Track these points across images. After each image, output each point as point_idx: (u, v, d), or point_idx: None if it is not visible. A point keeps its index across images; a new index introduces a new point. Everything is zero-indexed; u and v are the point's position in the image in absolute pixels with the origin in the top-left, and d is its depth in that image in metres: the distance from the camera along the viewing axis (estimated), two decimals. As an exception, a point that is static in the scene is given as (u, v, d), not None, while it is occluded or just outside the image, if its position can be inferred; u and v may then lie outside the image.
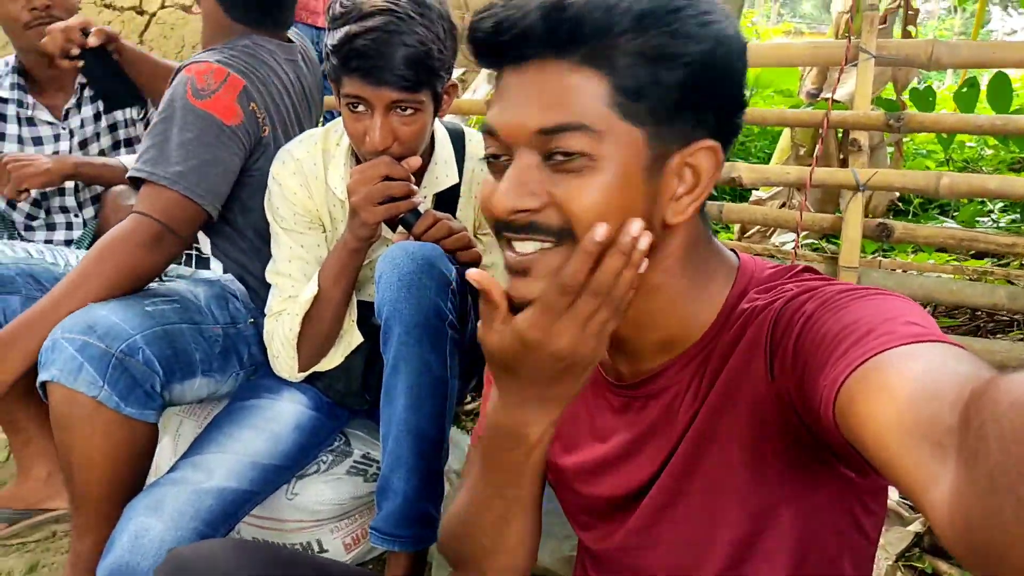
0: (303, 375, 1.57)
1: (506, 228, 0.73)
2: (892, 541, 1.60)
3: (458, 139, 1.58)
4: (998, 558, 0.40)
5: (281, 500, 1.63)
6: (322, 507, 1.64)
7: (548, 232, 0.71)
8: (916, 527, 1.71)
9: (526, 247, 0.73)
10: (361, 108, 1.33)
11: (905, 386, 0.53)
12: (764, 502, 0.75)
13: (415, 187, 1.38)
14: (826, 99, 2.71)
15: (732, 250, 0.84)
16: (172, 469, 1.41)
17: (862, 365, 0.57)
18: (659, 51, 0.67)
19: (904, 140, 2.91)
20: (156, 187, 1.45)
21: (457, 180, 1.55)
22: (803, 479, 0.73)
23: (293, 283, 1.53)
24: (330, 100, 2.67)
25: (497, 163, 0.74)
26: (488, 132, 0.73)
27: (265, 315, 1.58)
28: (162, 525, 1.30)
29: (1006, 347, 1.82)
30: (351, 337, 1.55)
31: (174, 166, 1.45)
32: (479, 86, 3.59)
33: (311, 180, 1.52)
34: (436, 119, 1.47)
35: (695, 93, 0.69)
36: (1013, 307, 1.79)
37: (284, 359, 1.53)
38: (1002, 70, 2.12)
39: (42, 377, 1.30)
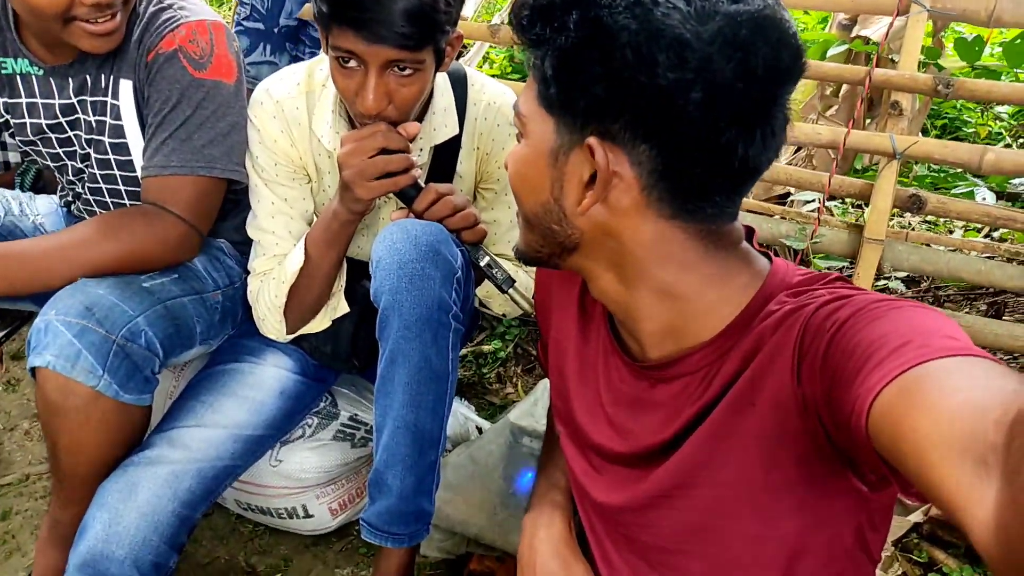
0: (291, 337, 1.47)
1: None
2: (891, 530, 1.56)
3: (460, 84, 1.41)
4: None
5: (264, 466, 1.56)
6: (307, 474, 1.58)
7: None
8: (916, 516, 1.68)
9: None
10: (353, 64, 1.16)
11: (946, 401, 0.52)
12: (776, 506, 0.74)
13: (414, 159, 1.24)
14: (861, 37, 2.52)
15: (766, 254, 0.82)
16: (146, 445, 1.32)
17: (899, 377, 0.56)
18: (545, 44, 0.72)
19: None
20: (185, 179, 1.33)
21: (457, 131, 1.39)
22: (817, 488, 0.73)
23: (278, 240, 1.40)
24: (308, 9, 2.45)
25: None
26: None
27: (248, 272, 1.46)
28: (137, 512, 1.22)
29: (1029, 332, 1.73)
30: (337, 302, 1.44)
31: (204, 149, 1.33)
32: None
33: (293, 126, 1.36)
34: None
35: (572, 87, 0.71)
36: (1043, 292, 1.69)
37: (271, 323, 1.43)
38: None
39: (34, 363, 1.18)
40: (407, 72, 1.17)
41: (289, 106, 1.36)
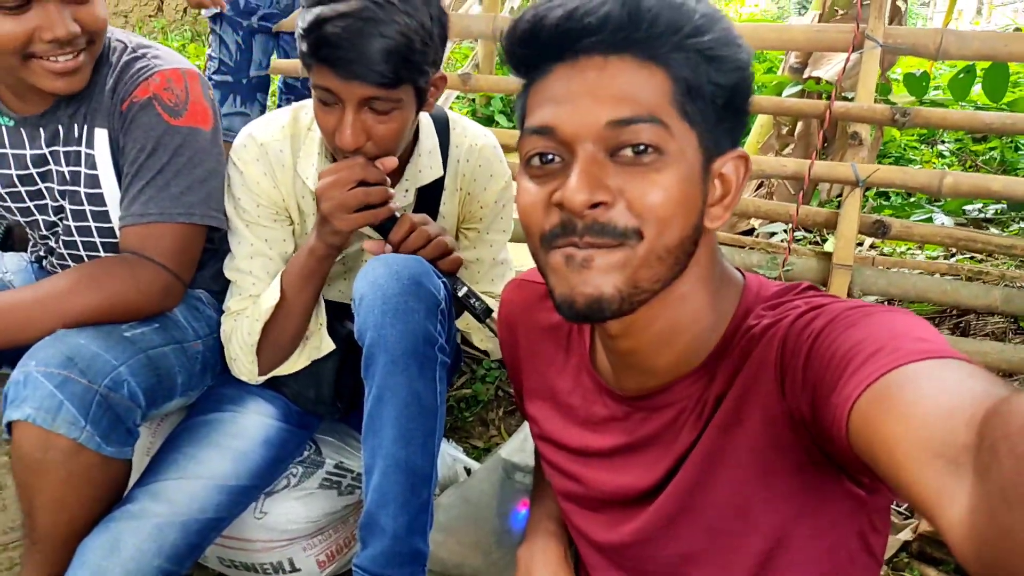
0: (263, 378, 1.44)
1: (570, 231, 0.70)
2: (882, 550, 1.57)
3: (443, 127, 1.44)
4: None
5: (249, 520, 1.50)
6: (294, 525, 1.53)
7: (613, 234, 0.69)
8: (906, 535, 1.69)
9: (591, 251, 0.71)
10: (332, 101, 1.19)
11: (918, 404, 0.53)
12: (778, 519, 0.75)
13: (392, 191, 1.25)
14: (813, 77, 2.63)
15: (737, 268, 0.84)
16: (128, 500, 1.28)
17: (874, 383, 0.57)
18: (716, 53, 0.69)
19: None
20: (165, 227, 1.31)
21: (442, 173, 1.41)
22: (815, 497, 0.74)
23: (255, 281, 1.40)
24: (281, 64, 2.49)
25: (546, 166, 0.72)
26: (540, 131, 0.71)
27: (223, 312, 1.44)
28: (122, 568, 1.18)
29: (996, 348, 1.79)
30: (319, 341, 1.42)
31: (182, 197, 1.31)
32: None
33: (277, 168, 1.37)
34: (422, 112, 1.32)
35: (739, 99, 0.72)
36: (1008, 309, 1.75)
37: (242, 363, 1.41)
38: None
39: (12, 416, 1.13)
40: (384, 110, 1.19)
41: (273, 148, 1.37)
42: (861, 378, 0.58)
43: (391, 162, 1.25)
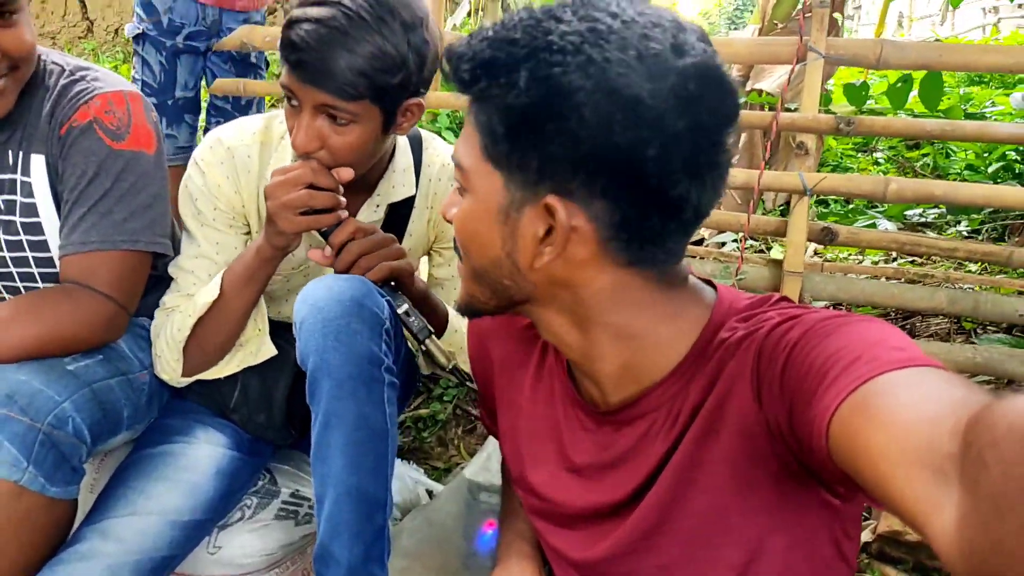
0: (187, 381, 1.39)
1: None
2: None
3: (416, 146, 1.44)
4: None
5: (202, 555, 1.44)
6: (249, 559, 1.47)
7: (455, 248, 0.83)
8: (865, 536, 1.71)
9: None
10: (294, 102, 1.19)
11: (899, 413, 0.53)
12: (755, 529, 0.75)
13: (343, 200, 1.23)
14: (755, 89, 2.68)
15: (709, 282, 0.83)
16: (75, 540, 1.21)
17: (853, 393, 0.57)
18: (492, 100, 0.70)
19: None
20: (107, 255, 1.25)
21: (414, 191, 1.40)
22: (792, 506, 0.74)
23: (195, 281, 1.36)
24: (222, 84, 2.44)
25: None
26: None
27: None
28: None
29: (944, 349, 1.83)
30: (255, 347, 1.38)
31: (126, 223, 1.26)
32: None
33: (241, 173, 1.35)
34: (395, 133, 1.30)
35: (525, 146, 0.69)
36: (952, 310, 1.80)
37: (167, 361, 1.36)
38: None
39: None
40: (340, 121, 1.18)
41: (240, 153, 1.35)
42: (840, 388, 0.58)
43: (347, 173, 1.23)
